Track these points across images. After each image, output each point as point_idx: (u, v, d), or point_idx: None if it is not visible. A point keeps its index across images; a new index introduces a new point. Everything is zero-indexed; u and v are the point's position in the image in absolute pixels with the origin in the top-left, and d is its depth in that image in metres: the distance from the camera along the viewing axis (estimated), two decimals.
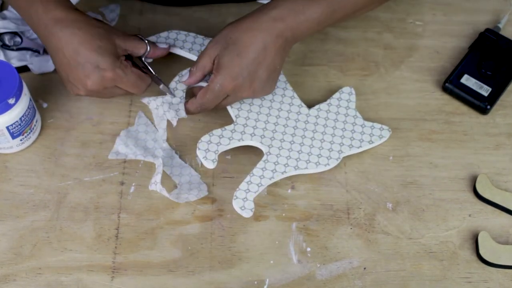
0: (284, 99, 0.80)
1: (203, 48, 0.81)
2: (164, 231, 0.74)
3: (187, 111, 0.77)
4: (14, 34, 0.84)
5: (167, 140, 0.80)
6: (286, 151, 0.77)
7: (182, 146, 0.79)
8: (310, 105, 0.81)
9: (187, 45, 0.82)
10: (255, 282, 0.71)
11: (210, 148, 0.75)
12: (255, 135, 0.77)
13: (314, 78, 0.85)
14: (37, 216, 0.74)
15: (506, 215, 0.76)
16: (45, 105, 0.82)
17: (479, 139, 0.81)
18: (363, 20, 0.90)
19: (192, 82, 0.77)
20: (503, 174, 0.79)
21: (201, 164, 0.77)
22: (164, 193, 0.75)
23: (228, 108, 0.79)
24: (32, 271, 0.71)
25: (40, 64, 0.83)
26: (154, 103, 0.79)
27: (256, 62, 0.72)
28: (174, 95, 0.78)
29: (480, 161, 0.80)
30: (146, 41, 0.77)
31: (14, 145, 0.77)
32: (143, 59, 0.78)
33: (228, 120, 0.79)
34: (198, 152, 0.74)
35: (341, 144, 0.78)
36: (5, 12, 0.87)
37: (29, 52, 0.84)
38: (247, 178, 0.74)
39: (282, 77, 0.82)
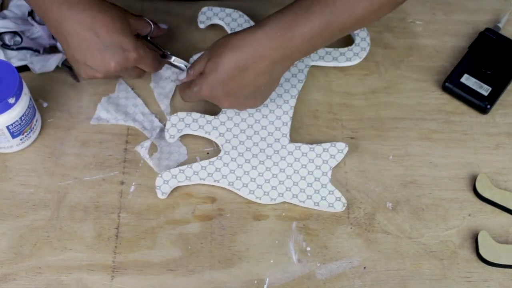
0: (276, 121, 0.79)
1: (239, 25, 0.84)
2: (164, 231, 0.74)
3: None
4: (14, 33, 0.84)
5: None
6: (235, 164, 0.76)
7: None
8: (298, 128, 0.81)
9: (227, 20, 0.85)
10: (255, 282, 0.72)
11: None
12: (223, 136, 0.78)
13: (314, 77, 0.85)
14: (37, 215, 0.74)
15: (506, 215, 0.76)
16: (45, 104, 0.82)
17: (479, 139, 0.81)
18: None
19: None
20: (503, 173, 0.79)
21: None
22: (147, 159, 0.76)
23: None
24: (32, 270, 0.71)
25: (40, 64, 0.83)
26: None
27: (233, 80, 0.72)
28: (186, 66, 0.78)
29: (480, 160, 0.80)
30: (150, 21, 0.79)
31: (14, 145, 0.77)
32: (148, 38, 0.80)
33: None
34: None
35: (288, 189, 0.76)
36: (5, 11, 0.87)
37: (29, 52, 0.84)
38: (183, 167, 0.75)
39: (292, 102, 0.81)
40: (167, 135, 0.78)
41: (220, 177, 0.76)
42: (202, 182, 0.76)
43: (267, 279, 0.72)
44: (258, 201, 0.75)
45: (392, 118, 0.82)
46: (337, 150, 0.78)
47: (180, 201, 0.76)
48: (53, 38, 0.84)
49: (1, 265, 0.72)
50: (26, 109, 0.75)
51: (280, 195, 0.75)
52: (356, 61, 0.84)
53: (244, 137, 0.78)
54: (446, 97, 0.84)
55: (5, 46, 0.83)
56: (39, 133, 0.80)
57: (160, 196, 0.75)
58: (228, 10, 0.86)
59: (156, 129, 0.79)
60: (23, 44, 0.84)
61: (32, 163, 0.78)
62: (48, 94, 0.82)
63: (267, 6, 0.89)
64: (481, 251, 0.73)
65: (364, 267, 0.73)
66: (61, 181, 0.77)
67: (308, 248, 0.74)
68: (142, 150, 0.77)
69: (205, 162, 0.76)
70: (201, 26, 0.86)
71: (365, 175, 0.78)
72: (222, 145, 0.77)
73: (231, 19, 0.85)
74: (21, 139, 0.77)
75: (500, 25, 0.88)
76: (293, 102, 0.81)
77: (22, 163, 0.78)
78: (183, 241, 0.74)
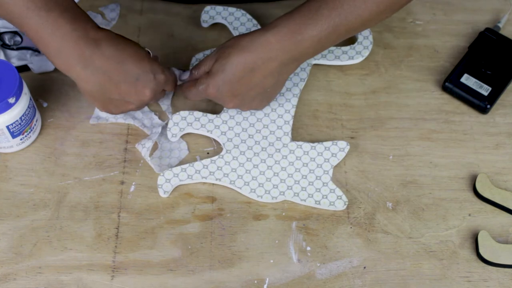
0: (277, 120, 0.79)
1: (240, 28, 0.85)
2: (164, 230, 0.74)
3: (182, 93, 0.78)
4: (14, 33, 0.84)
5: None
6: (237, 163, 0.77)
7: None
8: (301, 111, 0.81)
9: (241, 29, 0.85)
10: (255, 281, 0.72)
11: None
12: (225, 135, 0.78)
13: (314, 77, 0.85)
14: (37, 215, 0.75)
15: (506, 215, 0.76)
16: (45, 104, 0.82)
17: (479, 139, 0.81)
18: None
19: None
20: (503, 173, 0.79)
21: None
22: (148, 160, 0.76)
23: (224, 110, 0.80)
24: (32, 270, 0.71)
25: (40, 64, 0.83)
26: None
27: (240, 81, 0.72)
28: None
29: (480, 160, 0.80)
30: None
31: (14, 145, 0.77)
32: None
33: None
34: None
35: (289, 188, 0.76)
36: None
37: (29, 52, 0.84)
38: (185, 165, 0.76)
39: (294, 100, 0.81)
40: (169, 134, 0.78)
41: (221, 176, 0.76)
42: (204, 180, 0.76)
43: (267, 279, 0.72)
44: (259, 199, 0.75)
45: (392, 118, 0.82)
46: (338, 149, 0.78)
47: (180, 201, 0.76)
48: None
49: (1, 265, 0.72)
50: (26, 109, 0.75)
51: (281, 193, 0.75)
52: (359, 59, 0.84)
53: (246, 135, 0.78)
54: (446, 97, 0.84)
55: (5, 46, 0.83)
56: (39, 133, 0.80)
57: (162, 194, 0.75)
58: (231, 9, 0.86)
59: (157, 127, 0.79)
60: (23, 44, 0.84)
61: (32, 163, 0.78)
62: (48, 94, 0.82)
63: (267, 6, 0.89)
64: (481, 251, 0.73)
65: (364, 267, 0.73)
66: (61, 181, 0.77)
67: (308, 248, 0.74)
68: (144, 150, 0.77)
69: (206, 161, 0.76)
70: (204, 25, 0.86)
71: (365, 175, 0.78)
72: (223, 144, 0.78)
73: (234, 18, 0.85)
74: (21, 139, 0.77)
75: (500, 25, 0.88)
76: (295, 100, 0.81)
77: (22, 163, 0.78)
78: (183, 241, 0.74)
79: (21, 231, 0.74)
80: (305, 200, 0.75)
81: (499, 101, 0.83)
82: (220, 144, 0.79)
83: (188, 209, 0.76)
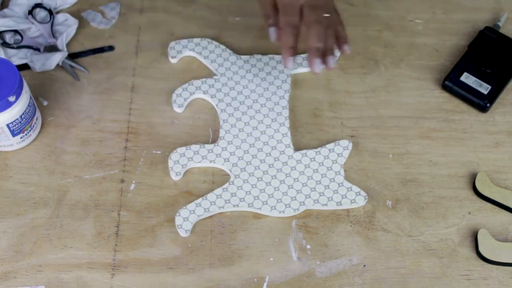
0: (275, 135, 0.79)
1: (225, 62, 0.85)
2: (164, 229, 0.74)
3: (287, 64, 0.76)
4: (15, 32, 0.84)
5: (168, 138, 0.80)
6: (249, 186, 0.76)
7: (180, 144, 0.79)
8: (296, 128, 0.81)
9: (212, 56, 0.85)
10: (255, 280, 0.72)
11: (180, 161, 0.76)
12: (228, 161, 0.78)
13: (314, 76, 0.85)
14: (37, 213, 0.75)
15: (505, 213, 0.76)
16: (45, 103, 0.82)
17: (479, 137, 0.81)
18: (363, 18, 0.90)
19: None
20: (502, 172, 0.79)
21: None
22: None
23: (221, 129, 0.79)
24: (33, 268, 0.71)
25: (40, 62, 0.83)
26: None
27: None
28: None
29: (479, 159, 0.80)
30: None
31: (15, 143, 0.77)
32: None
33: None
34: (169, 160, 0.77)
35: (307, 197, 0.75)
36: (5, 10, 0.87)
37: (30, 50, 0.84)
38: (199, 200, 0.75)
39: (285, 112, 0.81)
40: (172, 174, 0.77)
41: (238, 202, 0.75)
42: (222, 210, 0.75)
43: (267, 277, 0.72)
44: (282, 215, 0.75)
45: (392, 117, 0.82)
46: (342, 148, 0.78)
47: (180, 199, 0.76)
48: (53, 36, 0.85)
49: (2, 263, 0.72)
50: (27, 108, 0.75)
51: (302, 203, 0.75)
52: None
53: (250, 157, 0.78)
54: (446, 95, 0.84)
55: (6, 45, 0.83)
56: (40, 132, 0.80)
57: (183, 234, 0.74)
58: (196, 40, 0.86)
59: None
60: (23, 43, 0.84)
61: (32, 161, 0.78)
62: (48, 92, 0.83)
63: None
64: (481, 249, 0.73)
65: (364, 265, 0.73)
66: (61, 179, 0.77)
67: (308, 246, 0.74)
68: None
69: (218, 191, 0.76)
70: (173, 61, 0.85)
71: (365, 173, 0.78)
72: (230, 170, 0.77)
73: (202, 48, 0.85)
74: (21, 138, 0.77)
75: (500, 23, 0.89)
76: (286, 113, 0.81)
77: (22, 161, 0.78)
78: (183, 239, 0.74)
79: (21, 229, 0.74)
80: (326, 205, 0.75)
81: (498, 100, 0.83)
82: (216, 132, 0.79)
83: None
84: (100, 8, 0.90)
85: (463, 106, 0.84)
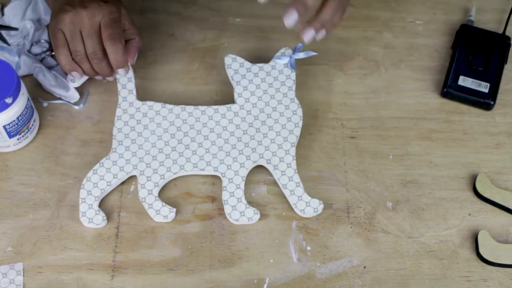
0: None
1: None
2: (164, 230, 0.74)
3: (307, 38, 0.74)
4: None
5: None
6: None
7: None
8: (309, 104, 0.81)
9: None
10: (255, 281, 0.72)
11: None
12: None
13: (314, 77, 0.85)
14: (37, 214, 0.75)
15: (506, 214, 0.76)
16: (45, 104, 0.82)
17: (479, 138, 0.81)
18: (363, 19, 0.90)
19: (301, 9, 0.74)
20: (503, 173, 0.79)
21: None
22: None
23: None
24: (32, 269, 0.71)
25: (54, 81, 0.82)
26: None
27: None
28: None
29: (480, 160, 0.80)
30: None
31: (11, 144, 0.77)
32: None
33: None
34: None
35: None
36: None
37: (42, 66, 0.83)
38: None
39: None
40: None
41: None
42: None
43: (267, 278, 0.72)
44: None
45: (392, 118, 0.82)
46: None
47: (180, 200, 0.76)
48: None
49: (1, 264, 0.72)
50: (24, 109, 0.75)
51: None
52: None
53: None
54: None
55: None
56: (40, 133, 0.80)
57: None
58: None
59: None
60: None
61: (32, 162, 0.78)
62: (48, 93, 0.82)
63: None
64: (481, 251, 0.73)
65: (364, 267, 0.73)
66: (61, 180, 0.77)
67: (308, 248, 0.74)
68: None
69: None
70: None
71: (365, 174, 0.78)
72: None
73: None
74: (18, 139, 0.77)
75: (472, 17, 0.89)
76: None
77: (22, 162, 0.78)
78: (183, 240, 0.74)
79: (21, 231, 0.74)
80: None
81: (498, 101, 0.83)
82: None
83: (188, 209, 0.76)
84: None
85: (463, 107, 0.84)
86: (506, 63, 0.85)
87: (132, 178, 0.77)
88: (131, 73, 0.81)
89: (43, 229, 0.74)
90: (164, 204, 0.74)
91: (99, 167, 0.76)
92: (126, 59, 0.78)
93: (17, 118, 0.74)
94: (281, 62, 0.82)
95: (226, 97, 0.83)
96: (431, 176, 0.79)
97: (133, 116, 0.79)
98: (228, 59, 0.82)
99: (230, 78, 0.81)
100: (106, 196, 0.76)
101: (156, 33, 0.88)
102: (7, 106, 0.73)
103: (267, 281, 0.72)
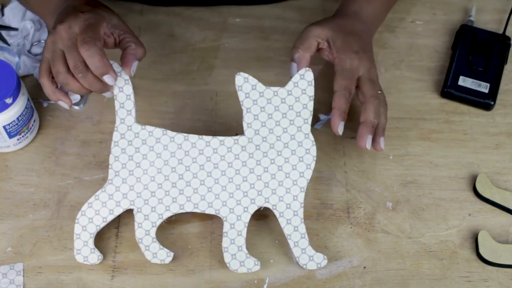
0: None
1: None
2: (164, 230, 0.74)
3: (336, 131, 0.74)
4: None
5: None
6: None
7: None
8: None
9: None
10: (255, 281, 0.72)
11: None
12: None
13: (314, 77, 0.85)
14: (37, 215, 0.75)
15: (506, 214, 0.76)
16: (45, 104, 0.82)
17: (479, 138, 0.81)
18: None
19: (304, 63, 0.77)
20: (503, 173, 0.79)
21: None
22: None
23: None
24: (32, 270, 0.71)
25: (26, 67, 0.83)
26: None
27: (359, 37, 0.77)
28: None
29: (480, 160, 0.80)
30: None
31: (11, 144, 0.77)
32: None
33: (228, 120, 0.79)
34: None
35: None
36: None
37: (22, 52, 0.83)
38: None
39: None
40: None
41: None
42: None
43: (267, 278, 0.72)
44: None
45: (392, 118, 0.82)
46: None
47: None
48: None
49: (2, 264, 0.72)
50: (24, 110, 0.75)
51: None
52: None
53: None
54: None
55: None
56: (40, 133, 0.80)
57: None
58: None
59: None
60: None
61: (32, 162, 0.78)
62: None
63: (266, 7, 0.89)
64: (481, 251, 0.73)
65: (364, 267, 0.73)
66: (61, 180, 0.77)
67: None
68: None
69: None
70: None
71: (365, 174, 0.78)
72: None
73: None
74: (18, 139, 0.77)
75: (472, 18, 0.89)
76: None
77: (22, 162, 0.78)
78: (183, 240, 0.74)
79: (21, 231, 0.74)
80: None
81: (498, 101, 0.83)
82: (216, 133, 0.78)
83: None
84: None
85: (463, 108, 0.84)
86: (506, 63, 0.85)
87: None
88: (130, 89, 0.72)
89: (43, 229, 0.74)
90: (161, 247, 0.71)
91: (94, 201, 0.71)
92: (106, 63, 0.68)
93: (17, 118, 0.75)
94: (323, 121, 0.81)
95: (226, 97, 0.83)
96: (431, 176, 0.79)
97: (131, 143, 0.72)
98: (240, 79, 0.71)
99: (240, 102, 0.71)
100: None
101: (156, 33, 0.88)
102: (7, 106, 0.73)
103: (267, 281, 0.72)
